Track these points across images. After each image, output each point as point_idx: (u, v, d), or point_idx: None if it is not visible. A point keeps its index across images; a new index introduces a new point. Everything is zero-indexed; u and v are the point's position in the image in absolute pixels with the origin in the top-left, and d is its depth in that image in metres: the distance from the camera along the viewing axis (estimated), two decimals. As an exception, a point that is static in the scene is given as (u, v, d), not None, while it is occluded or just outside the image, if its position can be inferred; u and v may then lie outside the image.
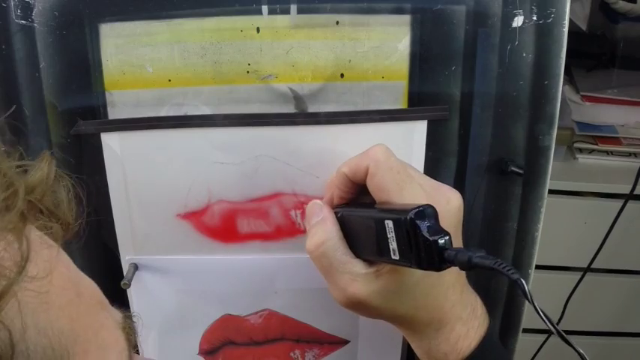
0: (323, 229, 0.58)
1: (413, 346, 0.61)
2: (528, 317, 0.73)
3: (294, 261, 0.67)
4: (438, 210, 0.51)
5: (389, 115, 0.63)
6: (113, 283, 0.67)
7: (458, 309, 0.58)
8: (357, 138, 0.63)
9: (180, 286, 0.68)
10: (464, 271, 0.58)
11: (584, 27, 1.48)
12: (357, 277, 0.56)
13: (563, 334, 0.51)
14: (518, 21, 0.61)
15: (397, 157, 0.57)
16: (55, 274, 0.34)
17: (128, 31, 0.60)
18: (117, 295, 0.68)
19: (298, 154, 0.63)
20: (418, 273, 0.54)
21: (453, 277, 0.57)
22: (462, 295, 0.58)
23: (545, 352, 1.38)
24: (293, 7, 0.60)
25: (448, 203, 0.56)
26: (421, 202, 0.51)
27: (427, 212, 0.50)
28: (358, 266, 0.56)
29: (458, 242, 0.57)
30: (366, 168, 0.56)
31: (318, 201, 0.61)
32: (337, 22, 0.60)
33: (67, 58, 0.60)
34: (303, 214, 0.65)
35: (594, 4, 1.48)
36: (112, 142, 0.62)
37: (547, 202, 0.67)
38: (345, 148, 0.63)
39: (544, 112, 0.64)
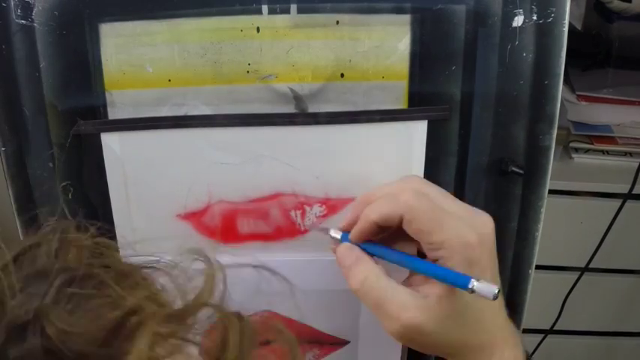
0: (360, 268, 0.58)
1: None
2: (524, 317, 0.74)
3: (294, 262, 0.67)
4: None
5: (389, 115, 0.63)
6: (113, 284, 0.67)
7: (506, 332, 0.58)
8: (357, 138, 0.63)
9: (180, 286, 0.68)
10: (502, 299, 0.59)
11: (579, 26, 1.48)
12: (407, 303, 0.55)
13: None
14: (518, 21, 0.61)
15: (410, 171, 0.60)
16: None
17: (128, 31, 0.60)
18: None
19: (298, 154, 0.63)
20: (467, 296, 0.54)
21: (498, 301, 0.57)
22: (506, 320, 0.59)
23: (542, 353, 1.38)
24: (293, 7, 0.60)
25: (485, 227, 0.56)
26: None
27: None
28: (405, 292, 0.56)
29: (496, 261, 0.58)
30: (399, 216, 0.56)
31: (346, 244, 0.60)
32: (337, 22, 0.60)
33: (67, 58, 0.60)
34: (303, 214, 0.65)
35: (589, 4, 1.48)
36: (112, 142, 0.62)
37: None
38: (345, 148, 0.63)
39: (544, 111, 0.64)
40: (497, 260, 0.58)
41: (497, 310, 0.58)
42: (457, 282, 0.52)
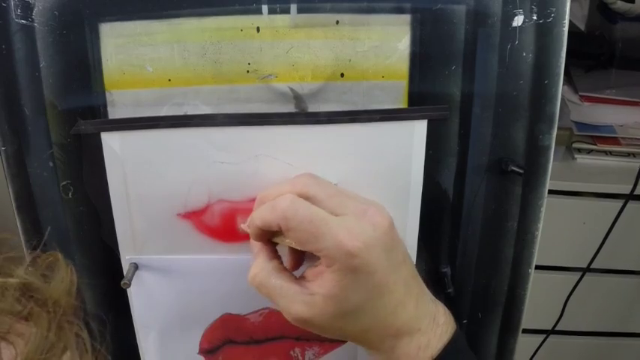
0: (255, 263, 0.59)
1: None
2: (526, 317, 0.74)
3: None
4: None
5: (389, 115, 0.63)
6: (113, 283, 0.67)
7: (413, 322, 0.57)
8: (357, 138, 0.63)
9: (181, 285, 0.68)
10: (416, 284, 0.58)
11: (582, 27, 1.48)
12: (294, 299, 0.56)
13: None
14: (518, 20, 0.61)
15: (327, 183, 0.59)
16: None
17: (128, 31, 0.60)
18: (117, 295, 0.68)
19: (298, 154, 0.63)
20: (355, 298, 0.54)
21: (400, 295, 0.56)
22: (416, 309, 0.57)
23: (544, 353, 1.38)
24: (293, 7, 0.60)
25: (375, 230, 0.54)
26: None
27: None
28: (293, 289, 0.56)
29: (397, 259, 0.56)
30: (277, 226, 0.56)
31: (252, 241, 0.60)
32: (337, 22, 0.60)
33: (67, 58, 0.60)
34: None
35: (592, 5, 1.48)
36: (112, 142, 0.62)
37: (546, 202, 0.67)
38: (345, 147, 0.63)
39: (544, 111, 0.64)
40: (398, 258, 0.56)
41: (399, 305, 0.56)
42: None
